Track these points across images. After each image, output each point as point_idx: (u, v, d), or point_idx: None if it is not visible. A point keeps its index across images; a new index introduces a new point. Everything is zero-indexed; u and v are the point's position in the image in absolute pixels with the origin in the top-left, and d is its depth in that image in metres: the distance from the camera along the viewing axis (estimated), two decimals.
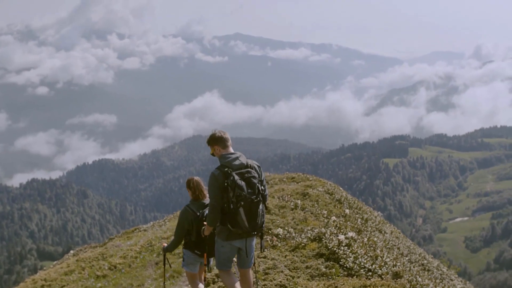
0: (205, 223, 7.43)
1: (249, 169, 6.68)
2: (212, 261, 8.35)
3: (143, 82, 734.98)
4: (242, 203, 6.42)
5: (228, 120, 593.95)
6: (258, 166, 6.92)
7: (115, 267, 13.31)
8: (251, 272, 7.29)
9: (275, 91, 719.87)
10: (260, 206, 6.61)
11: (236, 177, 6.49)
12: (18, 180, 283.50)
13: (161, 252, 9.73)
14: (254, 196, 6.51)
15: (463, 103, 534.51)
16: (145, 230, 19.85)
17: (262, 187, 6.76)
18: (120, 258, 13.88)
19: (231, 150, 6.96)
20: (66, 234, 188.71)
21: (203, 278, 8.35)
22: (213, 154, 7.18)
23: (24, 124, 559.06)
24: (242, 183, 6.48)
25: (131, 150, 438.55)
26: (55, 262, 20.27)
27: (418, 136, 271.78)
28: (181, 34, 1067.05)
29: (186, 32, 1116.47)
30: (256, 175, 6.68)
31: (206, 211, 7.62)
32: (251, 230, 6.58)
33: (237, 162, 6.71)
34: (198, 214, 7.84)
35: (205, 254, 7.72)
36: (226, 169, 6.65)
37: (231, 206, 6.46)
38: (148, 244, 14.61)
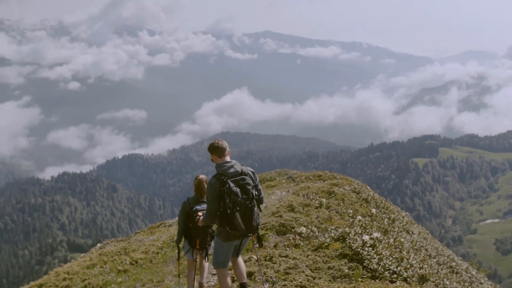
0: (200, 213, 8.43)
1: (243, 176, 7.16)
2: (210, 250, 9.07)
3: (173, 78, 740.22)
4: (238, 208, 6.92)
5: (257, 117, 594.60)
6: (253, 172, 7.42)
7: (136, 262, 13.24)
8: (240, 257, 7.88)
9: (304, 89, 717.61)
10: (255, 210, 7.10)
11: (232, 185, 6.97)
12: (49, 173, 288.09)
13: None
14: (249, 202, 7.02)
15: (495, 103, 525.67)
16: (170, 226, 19.83)
17: (256, 192, 7.27)
18: (142, 253, 13.81)
19: (227, 159, 7.41)
20: (96, 227, 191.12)
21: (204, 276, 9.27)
22: (212, 160, 7.62)
23: (56, 118, 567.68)
24: (237, 190, 6.96)
25: (160, 146, 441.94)
26: (82, 254, 20.40)
27: (449, 136, 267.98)
28: (211, 31, 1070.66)
29: (216, 29, 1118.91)
30: (250, 181, 7.18)
31: (198, 207, 8.62)
32: (247, 232, 7.10)
33: (232, 170, 7.18)
34: (193, 208, 8.68)
35: (197, 240, 8.71)
36: (222, 177, 7.09)
37: (228, 211, 6.95)
38: (170, 240, 14.51)
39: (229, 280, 7.64)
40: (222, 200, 7.03)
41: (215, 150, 7.45)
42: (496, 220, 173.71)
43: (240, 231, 7.06)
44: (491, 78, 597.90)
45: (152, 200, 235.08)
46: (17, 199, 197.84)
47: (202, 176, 9.13)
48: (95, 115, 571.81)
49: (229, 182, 7.00)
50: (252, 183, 7.22)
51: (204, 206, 8.49)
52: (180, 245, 9.30)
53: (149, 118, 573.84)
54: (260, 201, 7.43)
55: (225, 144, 7.54)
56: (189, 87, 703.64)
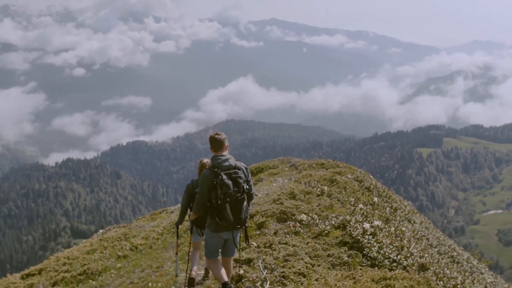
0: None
1: (236, 170, 7.40)
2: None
3: (178, 65, 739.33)
4: (228, 199, 7.18)
5: (262, 106, 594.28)
6: (246, 168, 7.65)
7: (136, 247, 13.24)
8: (231, 261, 8.11)
9: (309, 77, 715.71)
10: (244, 203, 7.36)
11: (224, 177, 7.23)
12: (54, 159, 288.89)
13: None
14: (239, 194, 7.27)
15: (501, 94, 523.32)
16: (172, 212, 19.85)
17: (248, 186, 7.53)
18: (142, 239, 13.81)
19: (223, 152, 7.60)
20: (99, 214, 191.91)
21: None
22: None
23: (61, 104, 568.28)
24: (229, 182, 7.22)
25: (164, 133, 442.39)
26: (84, 240, 20.42)
27: (454, 127, 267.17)
28: (217, 19, 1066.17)
29: (222, 16, 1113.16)
30: (243, 175, 7.43)
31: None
32: (235, 223, 7.35)
33: (226, 164, 7.40)
34: (196, 190, 8.90)
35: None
36: (216, 169, 7.34)
37: (219, 202, 7.23)
38: (170, 226, 14.49)
39: (221, 268, 7.79)
40: (214, 191, 7.28)
41: (214, 142, 7.64)
42: (499, 211, 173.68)
43: (228, 222, 7.29)
44: (498, 68, 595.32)
45: (156, 187, 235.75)
46: (21, 185, 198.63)
47: (206, 160, 9.40)
48: (100, 101, 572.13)
49: (222, 174, 7.25)
50: (244, 178, 7.46)
51: None
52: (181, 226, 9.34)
53: (153, 105, 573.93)
54: (250, 196, 7.68)
55: (224, 138, 7.70)
56: (194, 75, 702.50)
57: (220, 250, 8.00)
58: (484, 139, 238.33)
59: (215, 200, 7.29)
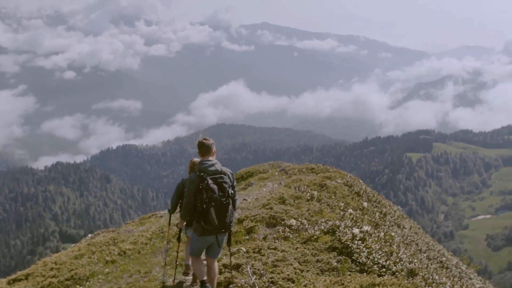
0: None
1: (222, 175, 7.56)
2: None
3: (169, 69, 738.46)
4: (213, 203, 7.35)
5: (253, 110, 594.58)
6: (231, 173, 7.81)
7: (124, 252, 13.12)
8: (216, 263, 8.20)
9: (300, 81, 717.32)
10: (229, 208, 7.51)
11: (210, 181, 7.40)
12: (43, 162, 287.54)
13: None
14: (224, 199, 7.42)
15: (491, 99, 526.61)
16: (161, 216, 19.74)
17: (233, 191, 7.68)
18: (131, 243, 13.70)
19: (210, 157, 7.83)
20: (89, 218, 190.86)
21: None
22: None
23: (51, 107, 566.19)
24: (215, 187, 7.39)
25: (155, 137, 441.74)
26: (73, 245, 20.27)
27: (443, 131, 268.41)
28: (208, 22, 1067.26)
29: (213, 20, 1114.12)
30: (228, 181, 7.58)
31: None
32: (220, 227, 7.51)
33: (212, 168, 7.57)
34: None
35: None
36: (202, 173, 7.52)
37: (204, 206, 7.38)
38: (159, 230, 14.40)
39: (203, 266, 8.10)
40: (199, 195, 7.44)
41: (201, 147, 7.88)
42: (488, 216, 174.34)
43: (213, 226, 7.44)
44: (487, 73, 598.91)
45: (146, 191, 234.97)
46: (10, 188, 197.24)
47: (196, 159, 9.43)
48: (90, 105, 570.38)
49: (208, 178, 7.41)
50: (230, 183, 7.60)
51: None
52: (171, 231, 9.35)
53: (144, 109, 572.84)
54: (234, 201, 7.84)
55: (211, 143, 7.94)
56: (185, 78, 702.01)
57: (204, 251, 8.13)
58: (474, 144, 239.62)
59: (201, 204, 7.42)
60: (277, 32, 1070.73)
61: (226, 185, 7.48)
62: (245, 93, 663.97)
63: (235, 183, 7.85)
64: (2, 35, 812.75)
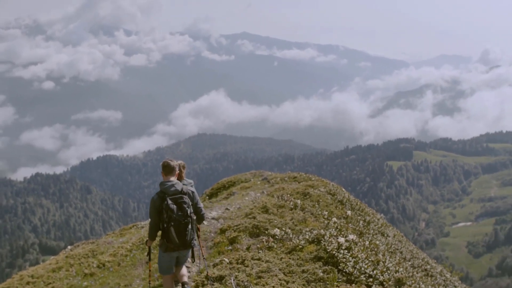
0: None
1: (182, 195, 7.90)
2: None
3: (149, 79, 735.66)
4: (173, 223, 7.73)
5: (234, 119, 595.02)
6: (193, 192, 8.21)
7: (103, 265, 12.75)
8: (184, 267, 8.72)
9: (281, 91, 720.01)
10: (189, 226, 7.87)
11: (170, 202, 7.76)
12: (22, 174, 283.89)
13: None
14: (183, 218, 7.78)
15: (469, 108, 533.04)
16: (142, 227, 19.36)
17: (195, 209, 8.23)
18: (110, 255, 13.33)
19: (172, 178, 8.15)
20: (69, 229, 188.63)
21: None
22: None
23: (30, 118, 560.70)
24: (174, 207, 7.74)
25: (135, 147, 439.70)
26: (52, 257, 19.79)
27: (423, 140, 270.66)
28: (188, 32, 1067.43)
29: (193, 30, 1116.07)
30: (188, 200, 7.92)
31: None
32: (181, 245, 7.90)
33: (172, 189, 7.91)
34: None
35: None
36: (163, 194, 7.91)
37: (165, 225, 7.81)
38: (140, 242, 14.04)
39: (171, 284, 8.53)
40: (161, 215, 7.86)
41: (165, 168, 8.20)
42: (469, 223, 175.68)
43: (174, 244, 7.87)
44: (465, 82, 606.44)
45: (127, 202, 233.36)
46: None
47: (179, 162, 9.78)
48: (69, 115, 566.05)
49: (168, 199, 7.79)
50: (190, 202, 8.01)
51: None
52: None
53: (124, 119, 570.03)
54: (200, 217, 8.43)
55: (175, 165, 8.29)
56: (166, 88, 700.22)
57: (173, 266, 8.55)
58: (453, 152, 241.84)
59: (162, 223, 7.87)
60: (257, 42, 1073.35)
61: (185, 205, 7.81)
62: (226, 102, 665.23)
63: (197, 200, 8.26)
64: None
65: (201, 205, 8.40)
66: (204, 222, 12.03)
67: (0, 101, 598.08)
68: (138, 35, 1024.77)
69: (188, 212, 7.85)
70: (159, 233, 8.26)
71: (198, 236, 10.16)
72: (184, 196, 7.92)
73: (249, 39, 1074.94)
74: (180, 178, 9.93)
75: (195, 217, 8.18)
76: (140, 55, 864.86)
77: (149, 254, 9.28)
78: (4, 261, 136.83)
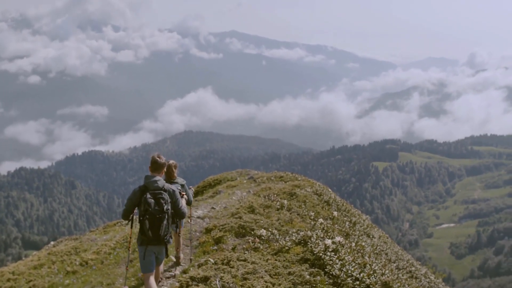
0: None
1: (161, 191, 8.15)
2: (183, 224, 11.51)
3: (136, 75, 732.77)
4: (148, 216, 7.95)
5: (221, 117, 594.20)
6: (173, 191, 8.39)
7: (86, 263, 12.55)
8: (161, 266, 9.01)
9: (268, 90, 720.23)
10: (164, 222, 8.04)
11: (148, 196, 8.04)
12: (5, 168, 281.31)
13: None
14: (159, 213, 7.98)
15: (455, 110, 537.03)
16: (126, 224, 19.18)
17: (173, 206, 8.37)
18: (93, 253, 13.13)
19: (156, 174, 8.42)
20: (53, 224, 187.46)
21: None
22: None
23: (16, 112, 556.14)
24: (151, 201, 7.98)
25: (121, 143, 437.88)
26: (35, 252, 19.54)
27: (409, 141, 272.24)
28: (176, 29, 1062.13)
29: (182, 27, 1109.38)
30: (166, 197, 8.15)
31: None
32: (153, 238, 8.07)
33: (154, 184, 8.19)
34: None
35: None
36: (144, 188, 8.22)
37: (140, 218, 8.02)
38: (124, 240, 13.85)
39: (152, 283, 8.46)
40: (139, 207, 8.12)
41: (153, 164, 8.51)
42: (452, 225, 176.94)
43: (147, 237, 8.04)
44: (452, 85, 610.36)
45: (111, 198, 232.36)
46: None
47: (171, 162, 10.56)
48: (55, 110, 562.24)
49: (147, 193, 8.06)
50: (169, 199, 8.20)
51: (174, 186, 9.22)
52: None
53: (110, 115, 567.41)
54: (178, 213, 8.55)
55: (163, 162, 8.57)
56: (153, 85, 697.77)
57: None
58: (438, 153, 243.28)
59: (139, 215, 8.09)
60: (245, 41, 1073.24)
61: (163, 201, 8.01)
62: (213, 100, 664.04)
63: (176, 198, 8.41)
64: None
65: (181, 204, 8.55)
66: (189, 220, 12.08)
67: None
68: (127, 31, 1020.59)
69: (165, 208, 8.03)
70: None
71: (179, 234, 10.81)
72: (164, 192, 8.16)
73: (237, 38, 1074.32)
74: (172, 177, 10.52)
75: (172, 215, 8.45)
76: (128, 51, 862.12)
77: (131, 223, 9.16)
78: None
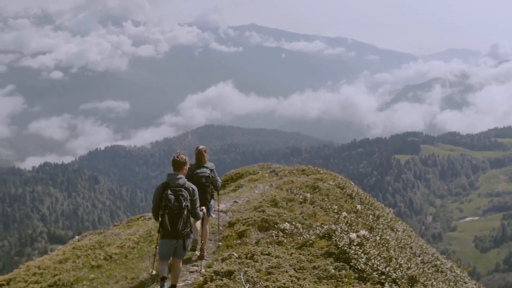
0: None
1: (182, 189, 8.64)
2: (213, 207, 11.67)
3: (156, 70, 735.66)
4: (167, 211, 8.49)
5: (241, 111, 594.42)
6: (193, 189, 8.84)
7: (110, 257, 12.60)
8: (180, 263, 9.08)
9: (288, 83, 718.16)
10: (182, 217, 8.54)
11: (169, 192, 8.57)
12: (30, 163, 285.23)
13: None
14: (178, 209, 8.48)
15: (478, 102, 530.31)
16: (149, 218, 19.26)
17: (187, 204, 8.66)
18: (117, 247, 13.18)
19: (178, 172, 8.93)
20: (77, 219, 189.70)
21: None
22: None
23: (39, 108, 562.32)
24: (172, 197, 8.50)
25: (143, 138, 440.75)
26: (60, 246, 19.73)
27: (431, 134, 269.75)
28: (196, 23, 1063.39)
29: (202, 21, 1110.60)
30: (186, 194, 8.64)
31: (198, 170, 10.81)
32: (172, 233, 8.61)
33: (175, 182, 8.71)
34: (194, 171, 10.85)
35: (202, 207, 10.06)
36: (166, 184, 8.73)
37: (161, 212, 8.62)
38: (147, 234, 13.89)
39: (164, 267, 8.94)
40: (161, 202, 8.65)
41: (173, 163, 9.01)
42: (476, 218, 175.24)
43: (166, 231, 8.60)
44: (474, 76, 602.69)
45: (134, 192, 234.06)
46: None
47: (201, 147, 11.14)
48: (78, 105, 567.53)
49: (169, 190, 8.59)
50: (187, 197, 8.65)
51: (203, 169, 10.80)
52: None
53: (132, 110, 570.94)
54: (194, 214, 8.91)
55: (183, 162, 9.03)
56: (173, 79, 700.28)
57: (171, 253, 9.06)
58: (461, 146, 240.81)
59: (161, 210, 8.64)
60: (265, 34, 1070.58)
61: (182, 198, 8.51)
62: (233, 94, 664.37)
63: (195, 197, 8.86)
64: None
65: (198, 204, 8.96)
66: (212, 215, 12.11)
67: (10, 91, 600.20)
68: (147, 26, 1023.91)
69: (183, 204, 8.51)
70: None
71: (202, 228, 11.07)
72: (184, 190, 8.64)
73: (257, 31, 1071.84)
74: (202, 162, 10.97)
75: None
76: (148, 46, 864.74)
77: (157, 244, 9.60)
78: (13, 249, 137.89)
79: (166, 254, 9.00)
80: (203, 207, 10.31)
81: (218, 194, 12.21)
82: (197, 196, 8.94)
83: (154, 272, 10.28)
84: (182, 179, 8.79)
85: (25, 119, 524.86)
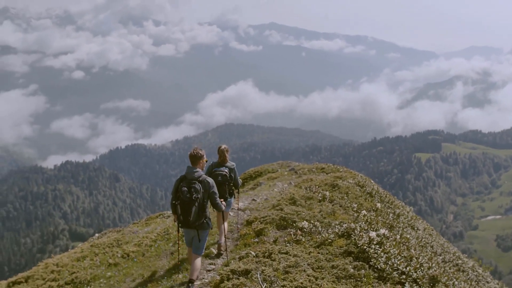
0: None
1: (196, 181, 8.97)
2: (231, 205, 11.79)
3: (177, 69, 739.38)
4: (179, 201, 8.91)
5: (261, 109, 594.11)
6: (208, 182, 9.10)
7: (128, 255, 12.59)
8: (198, 259, 9.33)
9: (308, 81, 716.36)
10: (194, 208, 8.85)
11: (183, 184, 8.97)
12: (52, 161, 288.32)
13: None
14: (188, 199, 8.83)
15: (500, 100, 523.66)
16: (168, 216, 19.31)
17: (210, 197, 9.14)
18: (135, 245, 13.17)
19: (195, 166, 9.23)
20: (98, 216, 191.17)
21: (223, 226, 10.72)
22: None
23: (61, 107, 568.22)
24: (185, 189, 8.88)
25: (163, 136, 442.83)
26: (80, 244, 19.83)
27: (452, 132, 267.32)
28: (216, 22, 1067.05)
29: (221, 20, 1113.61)
30: (199, 187, 8.93)
31: (216, 169, 11.06)
32: (184, 222, 8.99)
33: (191, 175, 9.05)
34: (214, 169, 11.10)
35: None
36: (183, 177, 9.13)
37: (174, 202, 9.04)
38: (164, 232, 13.86)
39: (190, 256, 9.49)
40: (177, 193, 9.01)
41: (190, 158, 9.30)
42: (498, 217, 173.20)
43: (179, 221, 9.03)
44: (496, 74, 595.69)
45: (154, 191, 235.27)
46: (19, 187, 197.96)
47: (224, 146, 11.30)
48: (99, 104, 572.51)
49: (184, 182, 9.00)
50: (202, 189, 8.97)
51: (222, 168, 11.06)
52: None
53: (152, 109, 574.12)
54: (214, 205, 9.29)
55: (200, 156, 9.27)
56: (193, 78, 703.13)
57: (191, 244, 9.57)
58: (483, 144, 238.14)
59: (174, 201, 9.05)
60: (285, 32, 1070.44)
61: (193, 190, 8.83)
62: (253, 93, 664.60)
63: (212, 190, 9.14)
64: (11, 35, 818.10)
65: (217, 196, 9.25)
66: (230, 213, 12.00)
67: (33, 90, 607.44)
68: (167, 26, 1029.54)
69: (193, 196, 8.82)
70: None
71: (223, 225, 10.88)
72: (198, 182, 8.95)
73: (276, 30, 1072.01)
74: (224, 161, 11.19)
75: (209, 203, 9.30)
76: (169, 45, 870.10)
77: (178, 229, 9.83)
78: (35, 246, 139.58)
79: (188, 242, 9.56)
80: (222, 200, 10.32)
81: (238, 192, 12.08)
82: (214, 188, 9.17)
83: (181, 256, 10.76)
84: (199, 172, 9.09)
85: (48, 118, 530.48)
